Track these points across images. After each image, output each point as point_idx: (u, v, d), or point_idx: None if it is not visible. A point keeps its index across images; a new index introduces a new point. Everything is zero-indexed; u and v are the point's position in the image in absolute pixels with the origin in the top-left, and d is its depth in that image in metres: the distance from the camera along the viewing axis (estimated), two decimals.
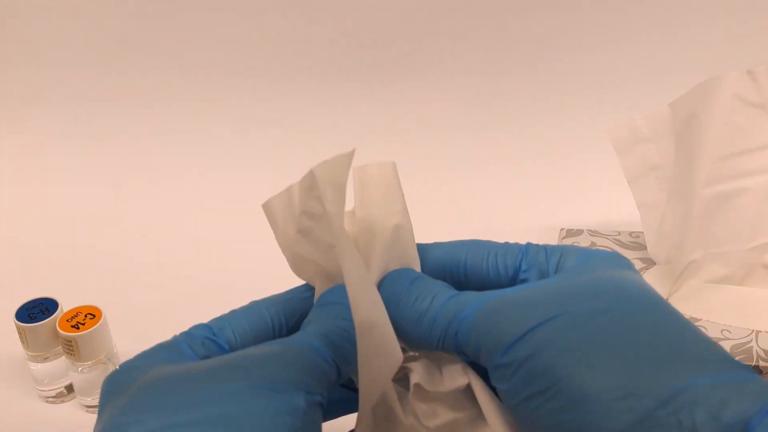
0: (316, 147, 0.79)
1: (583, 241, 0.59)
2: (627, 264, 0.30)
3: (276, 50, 0.78)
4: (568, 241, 0.59)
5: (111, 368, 0.52)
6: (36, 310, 0.51)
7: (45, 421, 0.53)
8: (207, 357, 0.29)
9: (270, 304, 0.32)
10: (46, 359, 0.52)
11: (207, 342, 0.29)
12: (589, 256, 0.30)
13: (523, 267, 0.31)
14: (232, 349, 0.30)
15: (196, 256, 0.69)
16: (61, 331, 0.49)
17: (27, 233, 0.72)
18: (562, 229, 0.62)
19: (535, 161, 0.77)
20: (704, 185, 0.52)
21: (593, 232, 0.60)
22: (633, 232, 0.61)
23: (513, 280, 0.31)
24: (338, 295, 0.30)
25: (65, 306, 0.52)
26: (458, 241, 0.33)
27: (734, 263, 0.52)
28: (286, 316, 0.32)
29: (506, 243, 0.32)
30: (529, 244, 0.32)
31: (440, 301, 0.29)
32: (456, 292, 0.30)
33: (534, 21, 0.75)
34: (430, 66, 0.78)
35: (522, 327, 0.26)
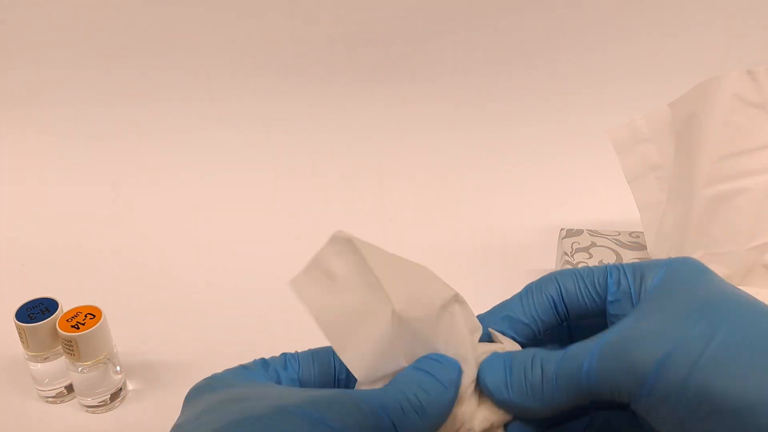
0: (316, 147, 0.79)
1: (583, 242, 0.59)
2: (703, 268, 0.31)
3: (276, 50, 0.78)
4: (567, 242, 0.59)
5: (111, 368, 0.52)
6: (36, 310, 0.51)
7: (45, 421, 0.53)
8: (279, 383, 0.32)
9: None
10: (46, 359, 0.52)
11: (281, 371, 0.32)
12: (668, 270, 0.31)
13: (611, 294, 0.32)
14: (301, 384, 0.32)
15: (196, 256, 0.69)
16: (61, 331, 0.49)
17: (27, 233, 0.72)
18: (562, 229, 0.62)
19: (536, 161, 0.77)
20: (704, 185, 0.52)
21: (593, 232, 0.60)
22: (633, 232, 0.60)
23: (602, 307, 0.33)
24: (440, 368, 0.30)
25: (65, 306, 0.52)
26: (536, 283, 0.34)
27: (734, 263, 0.52)
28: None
29: (585, 269, 0.33)
30: (608, 267, 0.33)
31: (552, 363, 0.30)
32: (554, 350, 0.30)
33: (534, 21, 0.75)
34: (430, 66, 0.78)
35: (658, 353, 0.27)
